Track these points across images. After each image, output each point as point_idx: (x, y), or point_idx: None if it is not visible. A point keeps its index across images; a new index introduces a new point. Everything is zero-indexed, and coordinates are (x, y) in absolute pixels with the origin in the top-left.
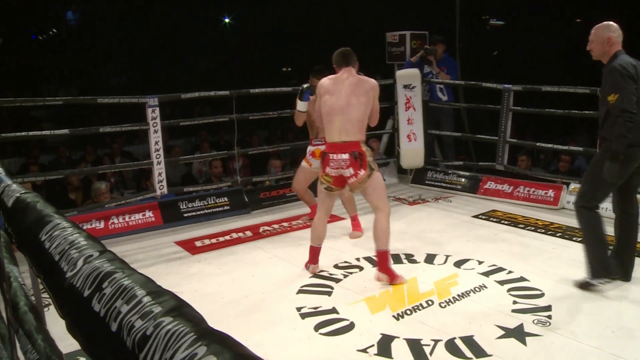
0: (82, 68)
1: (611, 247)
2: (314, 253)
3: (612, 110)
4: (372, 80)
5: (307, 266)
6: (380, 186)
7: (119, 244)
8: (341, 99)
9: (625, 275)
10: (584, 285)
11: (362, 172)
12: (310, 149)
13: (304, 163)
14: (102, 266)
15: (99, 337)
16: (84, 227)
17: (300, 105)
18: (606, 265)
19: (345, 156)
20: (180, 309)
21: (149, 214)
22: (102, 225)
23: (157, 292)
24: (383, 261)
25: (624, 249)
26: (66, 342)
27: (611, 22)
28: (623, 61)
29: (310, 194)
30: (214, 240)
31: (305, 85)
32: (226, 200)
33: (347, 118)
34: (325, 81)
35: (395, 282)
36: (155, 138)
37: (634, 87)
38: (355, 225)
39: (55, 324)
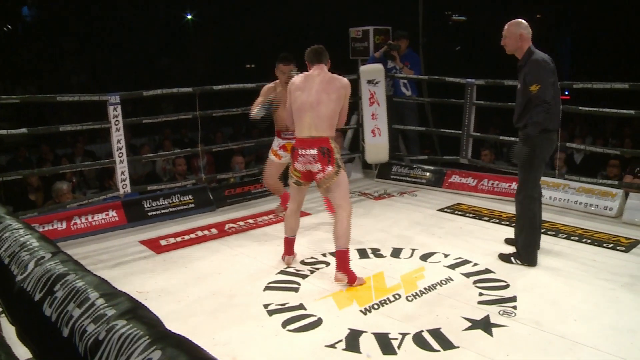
0: (40, 66)
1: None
2: (289, 244)
3: (532, 99)
4: (345, 80)
5: (283, 257)
6: (345, 184)
7: (82, 244)
8: (311, 96)
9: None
10: (504, 258)
11: (329, 169)
12: (279, 142)
13: (272, 157)
14: (54, 268)
15: (50, 344)
16: (45, 229)
17: (254, 113)
18: (533, 254)
19: (314, 151)
20: (135, 311)
21: (112, 213)
22: (64, 226)
23: (111, 294)
24: (343, 261)
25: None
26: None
27: (521, 20)
28: (542, 56)
29: (280, 183)
30: (179, 239)
31: (266, 104)
32: (191, 198)
33: (317, 114)
34: (297, 78)
35: (354, 283)
36: (118, 136)
37: (552, 80)
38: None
39: (13, 330)
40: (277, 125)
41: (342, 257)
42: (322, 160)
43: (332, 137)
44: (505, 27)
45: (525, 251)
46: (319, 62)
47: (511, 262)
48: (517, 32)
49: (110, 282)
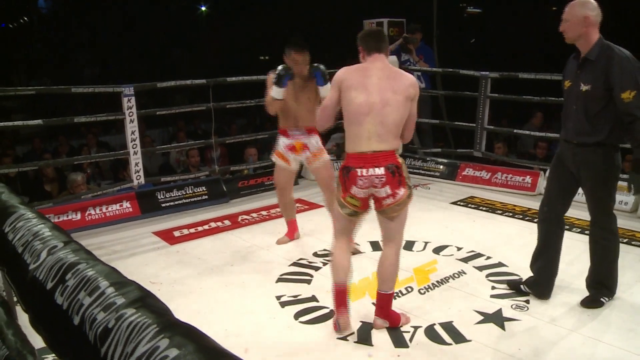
0: (55, 58)
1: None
2: (341, 296)
3: (627, 109)
4: (412, 77)
5: (335, 324)
6: (407, 212)
7: (96, 235)
8: (373, 95)
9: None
10: (592, 303)
11: (401, 192)
12: (285, 141)
13: (279, 161)
14: (66, 257)
15: (61, 332)
16: (60, 219)
17: (277, 92)
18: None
19: (380, 171)
20: (144, 300)
21: (126, 204)
22: (78, 216)
23: (121, 282)
24: (387, 305)
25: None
26: (39, 338)
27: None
28: (626, 51)
29: (293, 202)
30: (192, 230)
31: (282, 69)
32: (204, 189)
33: (382, 120)
34: (349, 73)
35: (401, 324)
36: (132, 128)
37: None
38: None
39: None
40: (283, 121)
41: (386, 301)
42: (391, 182)
43: (397, 149)
44: (566, 8)
45: (614, 284)
46: (378, 51)
47: (602, 303)
48: (582, 14)
49: (120, 272)
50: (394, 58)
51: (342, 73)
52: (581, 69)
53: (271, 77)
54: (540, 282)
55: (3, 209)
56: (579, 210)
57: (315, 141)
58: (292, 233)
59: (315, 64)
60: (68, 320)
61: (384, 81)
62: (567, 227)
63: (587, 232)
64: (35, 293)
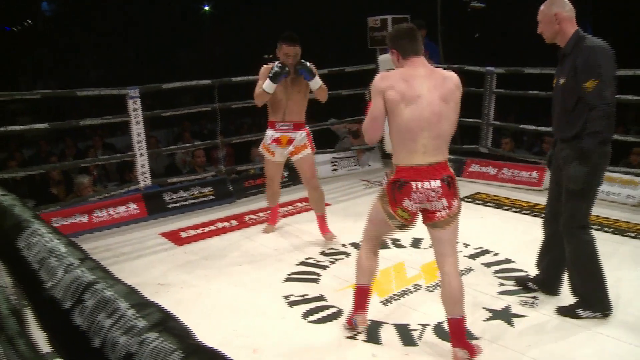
0: (60, 61)
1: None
2: (363, 296)
3: (587, 98)
4: (455, 75)
5: (350, 322)
6: (458, 225)
7: (103, 237)
8: (426, 110)
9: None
10: (569, 313)
11: (455, 203)
12: (272, 134)
13: (265, 154)
14: (83, 276)
15: (82, 354)
16: (68, 222)
17: (269, 87)
18: (606, 298)
19: (437, 184)
20: (166, 323)
21: (133, 206)
22: (86, 219)
23: (141, 304)
24: (462, 332)
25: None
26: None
27: None
28: (598, 42)
29: (278, 194)
30: (199, 231)
31: (280, 66)
32: (211, 190)
33: (437, 134)
34: (393, 82)
35: (475, 354)
36: (137, 130)
37: (615, 75)
38: (323, 225)
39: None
40: (272, 114)
41: (461, 327)
42: (447, 194)
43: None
44: (540, 9)
45: (594, 296)
46: (416, 54)
47: (581, 317)
48: (552, 12)
49: (139, 291)
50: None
51: (383, 82)
52: (560, 64)
53: (264, 69)
54: (547, 280)
55: (17, 224)
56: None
57: (301, 136)
58: (275, 220)
59: (300, 62)
60: (88, 342)
61: (433, 91)
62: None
63: (594, 226)
64: (53, 312)
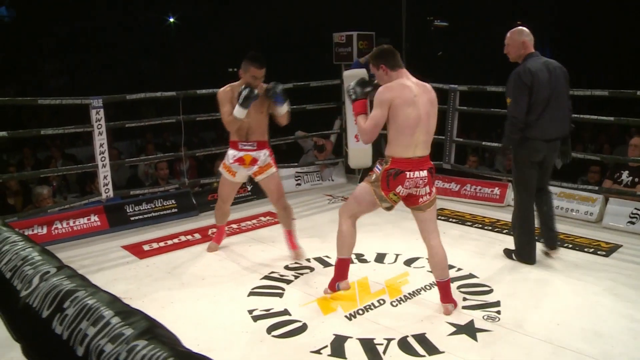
0: (18, 68)
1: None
2: (344, 267)
3: (507, 112)
4: (429, 85)
5: (333, 287)
6: (436, 206)
7: (63, 249)
8: (421, 110)
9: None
10: (508, 253)
11: (434, 190)
12: (235, 153)
13: (225, 173)
14: (62, 284)
15: None
16: (26, 234)
17: (240, 113)
18: (532, 252)
19: (424, 173)
20: (154, 330)
21: (94, 218)
22: (44, 231)
23: (126, 312)
24: (449, 290)
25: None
26: (6, 357)
27: (523, 27)
28: (525, 67)
29: (228, 214)
30: (162, 244)
31: (248, 90)
32: (174, 202)
33: (427, 130)
34: (397, 91)
35: (456, 305)
36: (100, 140)
37: (525, 94)
38: (292, 240)
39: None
40: (234, 134)
41: (448, 287)
42: (430, 182)
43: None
44: (508, 34)
45: (522, 249)
46: (400, 66)
47: (512, 259)
48: (520, 40)
49: (122, 300)
50: (363, 70)
51: (390, 92)
52: None
53: (224, 93)
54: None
55: None
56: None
57: (264, 155)
58: (220, 239)
59: (272, 84)
60: (70, 351)
61: (423, 95)
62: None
63: (565, 245)
64: (29, 321)
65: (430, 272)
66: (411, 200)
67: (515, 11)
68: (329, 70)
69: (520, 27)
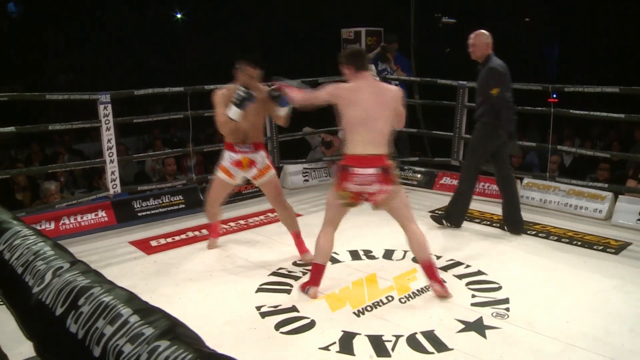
0: (27, 64)
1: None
2: (319, 273)
3: (495, 100)
4: (394, 88)
5: (304, 288)
6: (406, 198)
7: (71, 245)
8: (367, 111)
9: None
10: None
11: (390, 188)
12: (232, 156)
13: (222, 175)
14: (76, 280)
15: None
16: None
17: (236, 114)
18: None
19: (371, 171)
20: (176, 330)
21: (101, 213)
22: (52, 226)
23: (145, 310)
24: (435, 270)
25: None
26: (14, 351)
27: (484, 31)
28: (498, 63)
29: (219, 209)
30: (169, 240)
31: (245, 92)
32: (181, 198)
33: (373, 130)
34: (345, 91)
35: (445, 287)
36: (108, 136)
37: (506, 83)
38: (301, 244)
39: (2, 333)
40: (229, 135)
41: (432, 267)
42: (381, 180)
43: (387, 153)
44: (473, 36)
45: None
46: (365, 69)
47: (442, 224)
48: (486, 41)
49: (140, 298)
50: (371, 67)
51: (338, 91)
52: (479, 74)
53: (220, 95)
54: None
55: None
56: (551, 217)
57: (261, 157)
58: (217, 233)
59: (273, 87)
60: (86, 350)
61: (374, 97)
62: (543, 235)
63: (563, 240)
64: (42, 319)
65: (438, 269)
66: (370, 200)
67: (522, 6)
68: (337, 66)
69: (482, 31)
